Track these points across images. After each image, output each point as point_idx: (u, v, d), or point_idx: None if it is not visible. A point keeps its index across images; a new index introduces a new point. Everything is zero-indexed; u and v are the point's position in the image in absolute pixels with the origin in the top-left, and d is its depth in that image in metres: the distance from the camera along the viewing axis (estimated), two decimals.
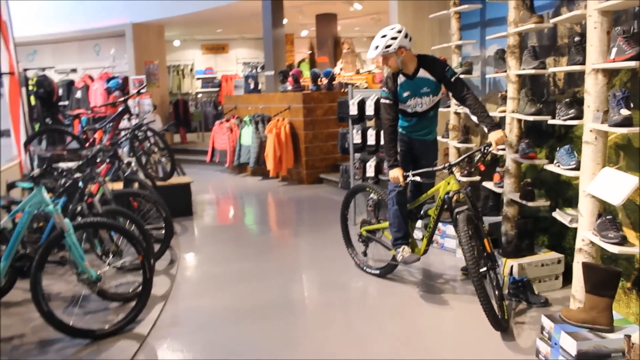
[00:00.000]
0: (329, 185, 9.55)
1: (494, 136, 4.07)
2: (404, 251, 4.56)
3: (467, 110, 4.34)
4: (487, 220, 5.38)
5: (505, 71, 4.90)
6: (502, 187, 5.04)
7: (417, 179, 4.24)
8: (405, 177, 4.26)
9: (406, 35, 4.32)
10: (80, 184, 4.60)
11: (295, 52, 19.42)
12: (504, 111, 4.94)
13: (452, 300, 4.43)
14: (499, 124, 4.20)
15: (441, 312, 4.26)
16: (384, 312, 4.32)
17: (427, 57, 4.49)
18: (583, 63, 3.62)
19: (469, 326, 3.94)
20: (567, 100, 3.94)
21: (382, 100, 4.53)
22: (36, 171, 3.95)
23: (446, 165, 4.23)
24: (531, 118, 4.45)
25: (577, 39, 3.78)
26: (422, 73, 4.41)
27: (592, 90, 3.50)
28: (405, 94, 4.44)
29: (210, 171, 11.68)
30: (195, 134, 15.93)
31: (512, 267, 4.47)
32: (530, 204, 4.56)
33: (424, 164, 4.55)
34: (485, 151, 4.13)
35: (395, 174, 4.32)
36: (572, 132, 4.48)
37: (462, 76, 5.71)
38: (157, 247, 5.39)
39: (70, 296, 4.57)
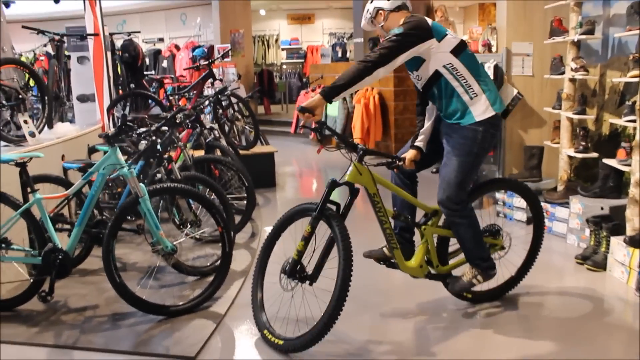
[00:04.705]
0: None
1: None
2: None
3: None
4: (607, 203, 4.71)
5: None
6: (628, 164, 4.35)
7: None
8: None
9: None
10: (159, 147, 4.29)
11: None
12: (637, 76, 4.22)
13: (567, 292, 3.85)
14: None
15: (550, 302, 3.70)
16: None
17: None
18: None
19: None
20: None
21: None
22: (111, 131, 3.66)
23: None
24: None
25: None
26: None
27: None
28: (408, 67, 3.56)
29: (294, 143, 11.34)
30: (279, 105, 15.70)
31: None
32: None
33: (442, 150, 3.59)
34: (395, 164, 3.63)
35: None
36: None
37: (582, 37, 5.05)
38: (237, 218, 5.06)
39: (146, 267, 4.33)
